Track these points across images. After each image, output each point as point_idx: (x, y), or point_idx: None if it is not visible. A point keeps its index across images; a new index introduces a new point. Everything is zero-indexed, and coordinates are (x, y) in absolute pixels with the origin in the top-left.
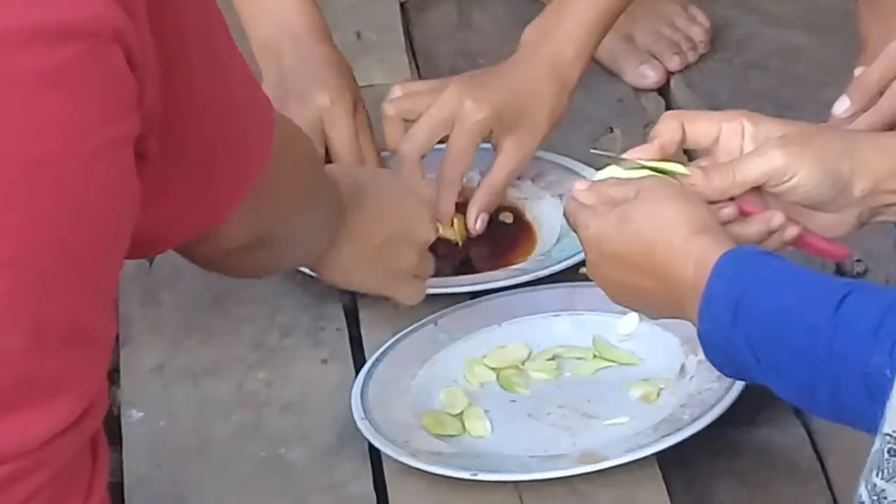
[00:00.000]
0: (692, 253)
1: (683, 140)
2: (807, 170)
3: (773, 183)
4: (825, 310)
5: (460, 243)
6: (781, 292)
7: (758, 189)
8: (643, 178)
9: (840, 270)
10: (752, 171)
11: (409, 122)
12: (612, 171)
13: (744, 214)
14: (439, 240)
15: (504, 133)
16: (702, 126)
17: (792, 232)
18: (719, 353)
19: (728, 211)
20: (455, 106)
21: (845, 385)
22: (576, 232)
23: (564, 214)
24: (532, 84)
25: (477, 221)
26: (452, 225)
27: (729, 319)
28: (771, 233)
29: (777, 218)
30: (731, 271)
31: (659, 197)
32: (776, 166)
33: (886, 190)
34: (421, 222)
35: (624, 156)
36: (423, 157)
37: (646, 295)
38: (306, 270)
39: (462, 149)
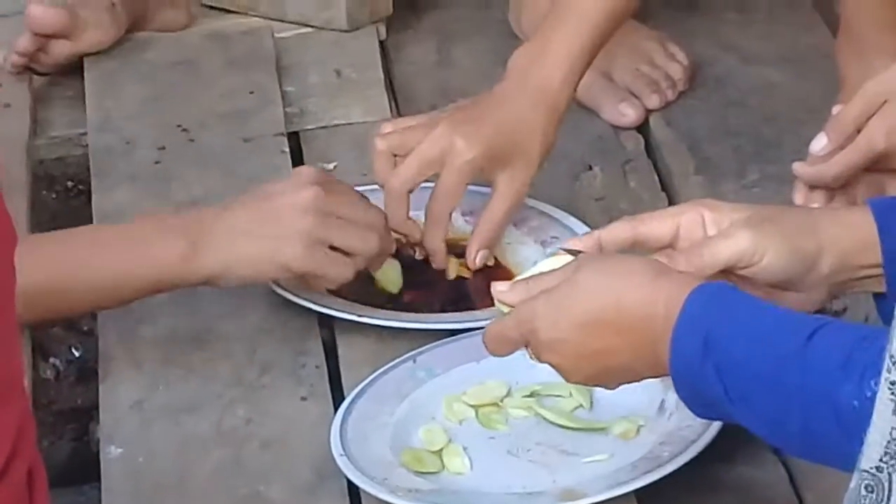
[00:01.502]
0: (662, 291)
1: (634, 243)
2: (775, 250)
3: (742, 265)
4: (796, 342)
5: (451, 276)
6: (752, 325)
7: (725, 272)
8: (577, 257)
9: (820, 310)
10: (722, 253)
11: (399, 157)
12: (539, 267)
13: None
14: (424, 279)
15: (496, 169)
16: (656, 225)
17: None
18: (690, 389)
19: None
20: (445, 145)
21: (815, 417)
22: (514, 338)
23: (485, 340)
24: (522, 115)
25: (477, 258)
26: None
27: (699, 352)
28: None
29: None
30: (702, 305)
31: (605, 260)
32: (744, 247)
33: (854, 265)
34: (296, 188)
35: (561, 247)
36: (409, 192)
37: (614, 357)
38: (290, 297)
39: (451, 187)
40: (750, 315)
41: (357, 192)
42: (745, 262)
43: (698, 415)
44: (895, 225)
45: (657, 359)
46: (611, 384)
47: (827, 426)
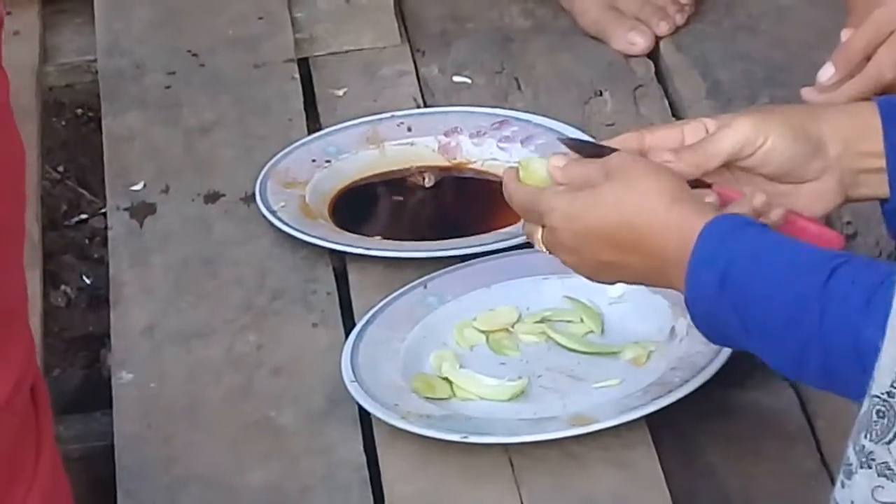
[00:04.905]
0: (674, 222)
1: (642, 152)
2: (776, 131)
3: (746, 152)
4: (815, 281)
5: None
6: (770, 262)
7: (727, 167)
8: (609, 157)
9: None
10: (724, 142)
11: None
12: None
13: (724, 203)
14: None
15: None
16: (662, 134)
17: (778, 212)
18: (706, 320)
19: (709, 199)
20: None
21: (836, 357)
22: (532, 221)
23: (510, 200)
24: None
25: None
26: None
27: (716, 287)
28: (757, 215)
29: (759, 197)
30: (718, 239)
31: (631, 171)
32: (746, 133)
33: (858, 151)
34: None
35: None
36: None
37: (628, 270)
38: (297, 234)
39: None
40: (768, 251)
41: None
42: (749, 149)
43: (715, 343)
44: None
45: (669, 282)
46: (615, 283)
47: (849, 367)
